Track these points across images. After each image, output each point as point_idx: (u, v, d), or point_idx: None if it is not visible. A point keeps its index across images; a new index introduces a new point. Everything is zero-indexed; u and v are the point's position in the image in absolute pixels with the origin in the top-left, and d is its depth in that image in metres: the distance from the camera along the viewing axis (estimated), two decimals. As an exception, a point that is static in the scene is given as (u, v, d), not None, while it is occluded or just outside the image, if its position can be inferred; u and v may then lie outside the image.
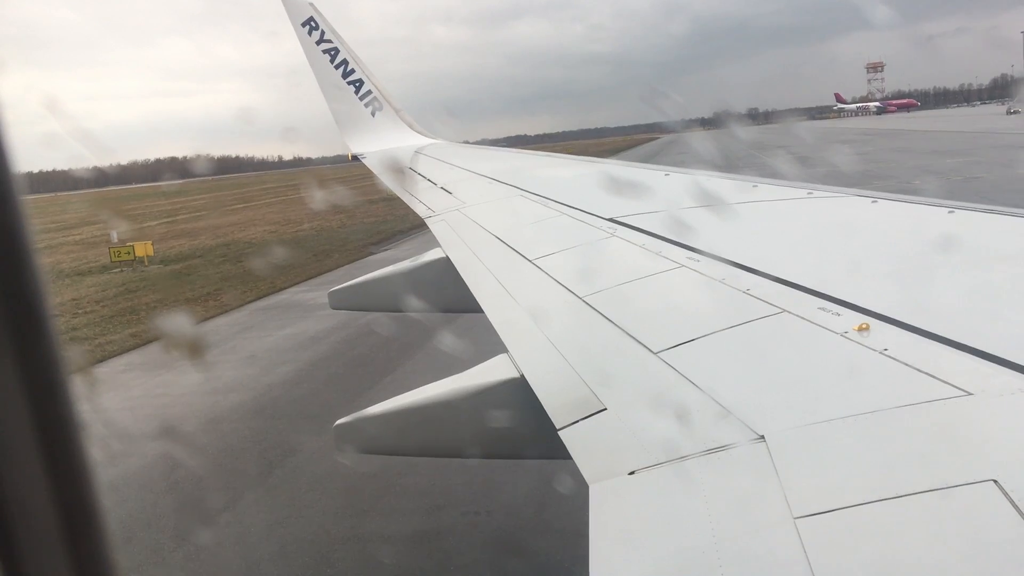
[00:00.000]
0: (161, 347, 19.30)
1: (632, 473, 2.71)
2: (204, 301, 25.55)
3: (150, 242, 37.09)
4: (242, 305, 24.71)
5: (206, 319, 22.96)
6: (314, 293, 24.56)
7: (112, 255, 35.34)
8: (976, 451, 2.33)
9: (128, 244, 35.90)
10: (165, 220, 52.35)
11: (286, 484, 11.14)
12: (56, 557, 1.13)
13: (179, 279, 30.65)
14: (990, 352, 2.79)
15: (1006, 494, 2.02)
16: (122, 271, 34.12)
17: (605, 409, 3.29)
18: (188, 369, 17.51)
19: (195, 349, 19.31)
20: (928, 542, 2.01)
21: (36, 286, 1.15)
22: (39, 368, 1.15)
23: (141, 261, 35.11)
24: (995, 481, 2.08)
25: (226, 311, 24.06)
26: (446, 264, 7.55)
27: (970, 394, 2.57)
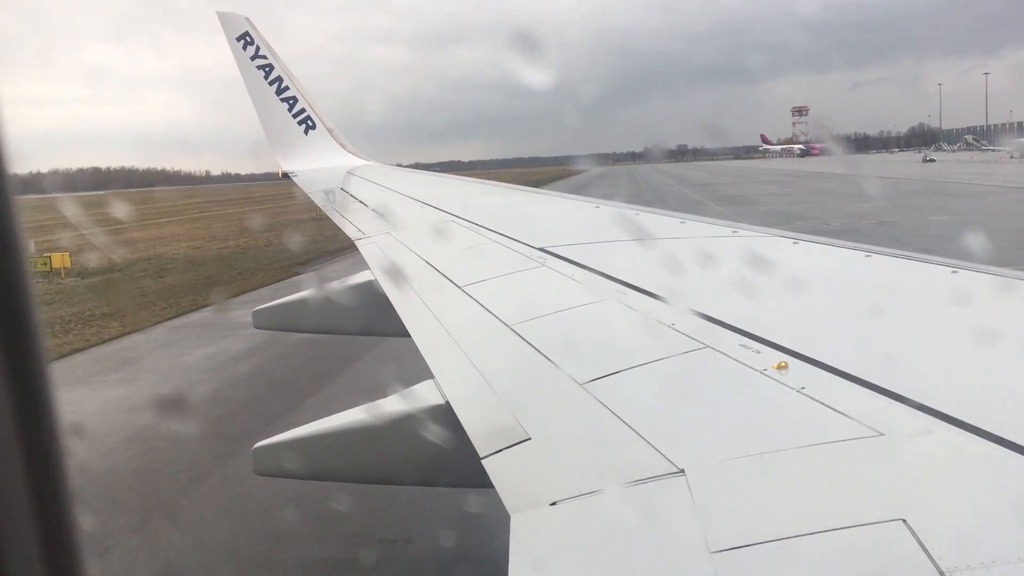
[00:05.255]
0: (76, 362, 18.66)
1: (554, 504, 2.71)
2: (121, 317, 24.80)
3: (67, 253, 35.85)
4: (161, 322, 24.06)
5: (123, 335, 22.28)
6: (237, 312, 24.05)
7: (27, 265, 33.92)
8: (886, 490, 2.40)
9: (45, 255, 34.62)
10: (85, 232, 50.75)
11: (198, 507, 10.83)
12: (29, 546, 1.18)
13: (97, 293, 29.67)
14: (901, 394, 2.89)
15: (914, 533, 2.08)
16: (37, 283, 32.88)
17: (529, 439, 3.30)
18: (103, 385, 16.96)
19: (110, 366, 18.72)
20: None
21: (23, 285, 1.15)
22: (22, 366, 1.17)
23: (58, 273, 33.89)
24: (904, 520, 2.14)
25: (144, 328, 23.39)
26: (375, 287, 7.49)
27: (881, 434, 2.65)
